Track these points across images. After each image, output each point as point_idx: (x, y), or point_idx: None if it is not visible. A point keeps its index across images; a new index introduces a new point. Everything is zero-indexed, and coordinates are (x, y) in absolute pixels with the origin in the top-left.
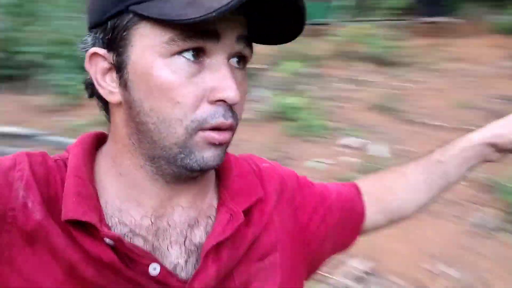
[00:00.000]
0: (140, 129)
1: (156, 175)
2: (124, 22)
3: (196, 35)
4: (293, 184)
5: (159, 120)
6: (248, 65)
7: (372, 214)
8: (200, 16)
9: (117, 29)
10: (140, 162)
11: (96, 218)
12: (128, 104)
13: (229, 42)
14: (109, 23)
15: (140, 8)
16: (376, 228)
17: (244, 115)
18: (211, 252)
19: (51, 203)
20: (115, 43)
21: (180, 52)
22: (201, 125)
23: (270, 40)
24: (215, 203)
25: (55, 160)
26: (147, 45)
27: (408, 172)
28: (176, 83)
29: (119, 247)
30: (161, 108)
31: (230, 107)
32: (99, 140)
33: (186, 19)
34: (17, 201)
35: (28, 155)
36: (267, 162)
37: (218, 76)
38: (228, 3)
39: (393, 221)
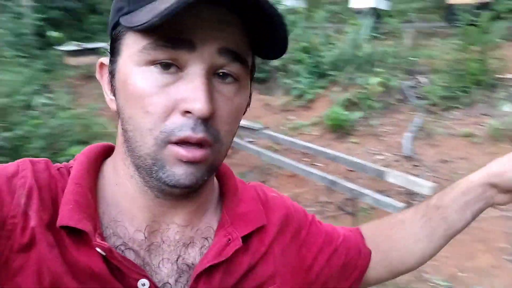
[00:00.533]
0: (125, 137)
1: (145, 187)
2: (118, 32)
3: (167, 44)
4: (301, 218)
5: (134, 128)
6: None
7: (374, 263)
8: (146, 22)
9: (114, 39)
10: (131, 172)
11: (90, 227)
12: (118, 112)
13: (208, 54)
14: (112, 34)
15: (123, 19)
16: (378, 279)
17: (469, 130)
18: (203, 274)
19: (49, 211)
20: (113, 52)
21: (153, 62)
22: (169, 137)
23: (268, 54)
24: (214, 225)
25: (58, 169)
26: (128, 54)
27: (406, 219)
28: (147, 91)
29: (110, 258)
30: (135, 116)
31: (205, 121)
32: (107, 151)
33: (135, 26)
34: (18, 208)
35: (32, 162)
36: (277, 193)
37: (190, 87)
38: (168, 7)
39: (394, 273)
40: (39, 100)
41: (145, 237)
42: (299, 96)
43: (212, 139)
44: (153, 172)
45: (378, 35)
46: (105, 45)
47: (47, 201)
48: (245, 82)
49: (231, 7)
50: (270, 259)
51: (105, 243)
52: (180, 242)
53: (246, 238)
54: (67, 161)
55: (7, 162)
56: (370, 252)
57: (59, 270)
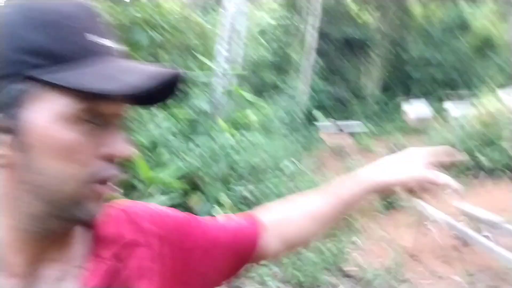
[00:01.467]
0: (27, 189)
1: (29, 233)
2: (19, 86)
3: (87, 97)
4: (177, 226)
5: (53, 177)
6: None
7: (268, 242)
8: (113, 91)
9: (10, 91)
10: (14, 223)
11: None
12: (18, 165)
13: (119, 104)
14: (5, 85)
15: (40, 74)
16: (274, 254)
17: None
18: None
19: None
20: (7, 105)
21: (77, 115)
22: (93, 177)
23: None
24: (84, 251)
25: None
26: (44, 109)
27: (307, 201)
28: (73, 143)
29: None
30: (56, 167)
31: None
32: None
33: (102, 91)
34: None
35: None
36: (150, 207)
37: (110, 135)
38: (139, 83)
39: (289, 247)
40: (287, 164)
41: (21, 279)
42: None
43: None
44: (66, 211)
45: None
46: (362, 129)
47: None
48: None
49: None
50: (148, 274)
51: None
52: (54, 278)
53: (116, 256)
54: None
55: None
56: (258, 233)
57: None
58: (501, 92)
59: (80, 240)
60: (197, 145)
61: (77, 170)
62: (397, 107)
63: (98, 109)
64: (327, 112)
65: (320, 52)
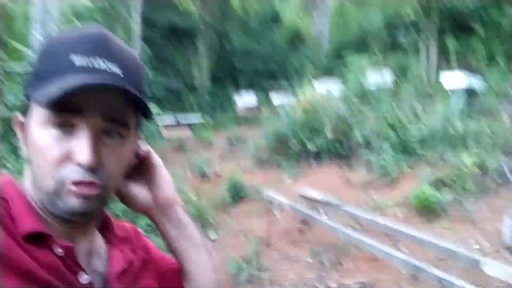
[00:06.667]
0: (32, 178)
1: (51, 214)
2: (28, 100)
3: (61, 112)
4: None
5: (39, 172)
6: None
7: None
8: (43, 100)
9: (26, 104)
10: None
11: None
12: (28, 157)
13: (94, 119)
14: (25, 100)
15: (32, 92)
16: None
17: None
18: (117, 277)
19: (4, 225)
20: (25, 113)
21: (53, 124)
22: (65, 180)
23: (144, 116)
24: (102, 244)
25: None
26: (35, 117)
27: None
28: (46, 146)
29: (68, 256)
30: (38, 164)
31: (93, 169)
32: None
33: (37, 102)
34: None
35: None
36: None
37: (78, 144)
38: (53, 96)
39: None
40: None
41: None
42: (383, 173)
43: (101, 181)
44: (55, 203)
45: (472, 114)
46: (199, 120)
47: (2, 216)
48: (128, 135)
49: (106, 89)
50: (145, 272)
51: (69, 243)
52: (86, 254)
53: (133, 251)
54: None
55: None
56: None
57: (30, 266)
58: (316, 83)
59: (98, 234)
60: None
61: (51, 170)
62: (229, 99)
63: (69, 119)
64: (162, 104)
65: (147, 40)
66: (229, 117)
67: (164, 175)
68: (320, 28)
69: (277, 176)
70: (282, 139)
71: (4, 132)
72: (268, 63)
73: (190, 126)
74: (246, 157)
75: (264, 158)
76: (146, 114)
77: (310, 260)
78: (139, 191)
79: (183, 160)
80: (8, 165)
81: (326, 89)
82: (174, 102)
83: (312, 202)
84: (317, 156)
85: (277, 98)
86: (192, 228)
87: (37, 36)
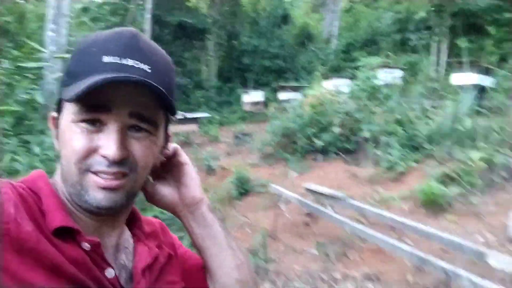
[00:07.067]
0: (62, 170)
1: (79, 208)
2: (61, 98)
3: (90, 109)
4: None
5: (66, 164)
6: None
7: None
8: (72, 97)
9: (60, 102)
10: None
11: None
12: (59, 152)
13: (121, 116)
14: (60, 98)
15: (63, 90)
16: None
17: None
18: (143, 272)
19: (34, 219)
20: (59, 110)
21: (82, 120)
22: (89, 168)
23: (171, 112)
24: (130, 239)
25: (22, 188)
26: (66, 114)
27: None
28: (75, 139)
29: (95, 251)
30: (66, 155)
31: (119, 162)
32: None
33: (66, 99)
34: (9, 217)
35: (7, 182)
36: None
37: (106, 139)
38: (80, 91)
39: None
40: None
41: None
42: (389, 168)
43: (128, 170)
44: (81, 196)
45: (481, 110)
46: (206, 115)
47: (29, 211)
48: (156, 132)
49: (132, 85)
50: (172, 266)
51: (96, 238)
52: (113, 247)
53: (159, 247)
54: None
55: None
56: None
57: (58, 260)
58: (325, 82)
59: (126, 228)
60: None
61: (78, 160)
62: (236, 95)
63: (97, 116)
64: None
65: (157, 38)
66: (236, 114)
67: (191, 173)
68: (330, 27)
69: (283, 171)
70: (289, 135)
71: (14, 127)
72: (276, 61)
73: (197, 121)
74: (253, 152)
75: (270, 153)
76: (172, 112)
77: (316, 252)
78: (166, 189)
79: (190, 154)
80: (19, 158)
81: (334, 86)
82: (183, 101)
83: (318, 196)
84: (324, 151)
85: (284, 95)
86: (217, 227)
87: (49, 34)
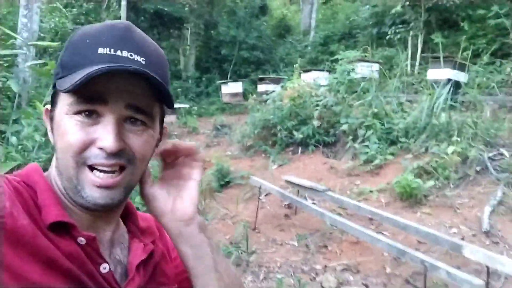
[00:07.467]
0: (57, 164)
1: (73, 202)
2: (55, 90)
3: (86, 100)
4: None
5: (62, 157)
6: None
7: None
8: (67, 88)
9: (54, 94)
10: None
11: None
12: (54, 145)
13: (118, 107)
14: (54, 90)
15: (58, 82)
16: None
17: None
18: (137, 268)
19: (30, 213)
20: (53, 103)
21: (78, 112)
22: (86, 161)
23: (167, 105)
24: (125, 234)
25: (17, 182)
26: (61, 106)
27: None
28: (71, 131)
29: (90, 245)
30: (62, 148)
31: (116, 154)
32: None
33: (62, 90)
34: (5, 210)
35: (2, 176)
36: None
37: (102, 130)
38: (76, 82)
39: None
40: None
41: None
42: (367, 161)
43: (126, 162)
44: (77, 191)
45: (456, 105)
46: (185, 105)
47: (24, 205)
48: (152, 125)
49: (128, 76)
50: (164, 265)
51: (92, 233)
52: (109, 242)
53: (154, 243)
54: None
55: None
56: None
57: (54, 255)
58: (304, 75)
59: (122, 224)
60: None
61: (74, 153)
62: (215, 87)
63: (93, 107)
64: None
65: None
66: (214, 105)
67: (192, 190)
68: (307, 19)
69: (264, 163)
70: (269, 127)
71: None
72: (255, 52)
73: (175, 112)
74: (232, 144)
75: (250, 145)
76: (170, 104)
77: (296, 244)
78: (162, 193)
79: None
80: None
81: (313, 79)
82: None
83: (297, 188)
84: (303, 144)
85: (263, 87)
86: (205, 249)
87: (22, 20)
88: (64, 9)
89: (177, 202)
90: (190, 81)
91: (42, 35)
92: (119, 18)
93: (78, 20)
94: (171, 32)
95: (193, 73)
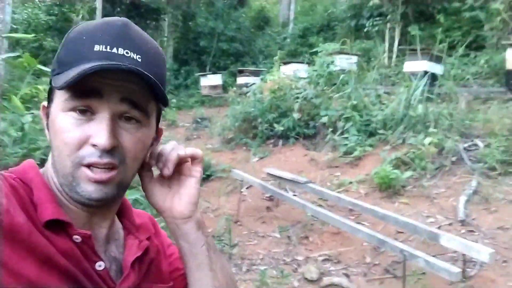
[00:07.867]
0: (53, 161)
1: (70, 199)
2: (51, 87)
3: (81, 95)
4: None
5: (58, 155)
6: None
7: None
8: (62, 84)
9: (50, 91)
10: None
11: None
12: (50, 142)
13: (112, 102)
14: (50, 87)
15: (54, 78)
16: None
17: None
18: (132, 265)
19: (26, 210)
20: (49, 99)
21: (73, 108)
22: (81, 161)
23: (162, 103)
24: (120, 230)
25: (13, 179)
26: (57, 103)
27: None
28: (66, 129)
29: (85, 243)
30: (59, 146)
31: (110, 151)
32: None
33: (57, 86)
34: (1, 207)
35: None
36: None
37: (96, 127)
38: (70, 79)
39: None
40: None
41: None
42: (347, 153)
43: (118, 162)
44: (73, 187)
45: (432, 97)
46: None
47: (21, 202)
48: (146, 122)
49: (123, 73)
50: (163, 260)
51: (87, 231)
52: (104, 239)
53: (149, 239)
54: None
55: None
56: None
57: (50, 252)
58: (283, 67)
59: (117, 220)
60: None
61: (70, 152)
62: (193, 79)
63: (88, 104)
64: None
65: (108, 17)
66: (193, 97)
67: (191, 188)
68: (286, 11)
69: (245, 155)
70: (249, 120)
71: None
72: (234, 44)
73: None
74: (213, 137)
75: (231, 138)
76: (164, 102)
77: (278, 236)
78: (162, 189)
79: None
80: None
81: (292, 71)
82: None
83: (279, 180)
84: (284, 136)
85: (243, 79)
86: (199, 247)
87: None
88: (37, 0)
89: (175, 200)
90: (168, 73)
91: (14, 26)
92: (95, 9)
93: (51, 11)
94: (148, 23)
95: (171, 65)
